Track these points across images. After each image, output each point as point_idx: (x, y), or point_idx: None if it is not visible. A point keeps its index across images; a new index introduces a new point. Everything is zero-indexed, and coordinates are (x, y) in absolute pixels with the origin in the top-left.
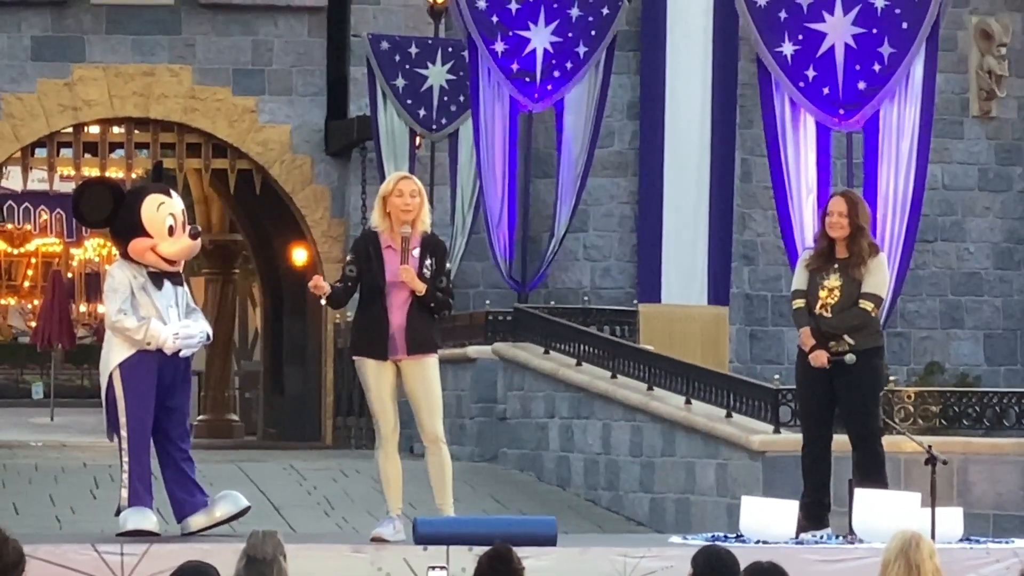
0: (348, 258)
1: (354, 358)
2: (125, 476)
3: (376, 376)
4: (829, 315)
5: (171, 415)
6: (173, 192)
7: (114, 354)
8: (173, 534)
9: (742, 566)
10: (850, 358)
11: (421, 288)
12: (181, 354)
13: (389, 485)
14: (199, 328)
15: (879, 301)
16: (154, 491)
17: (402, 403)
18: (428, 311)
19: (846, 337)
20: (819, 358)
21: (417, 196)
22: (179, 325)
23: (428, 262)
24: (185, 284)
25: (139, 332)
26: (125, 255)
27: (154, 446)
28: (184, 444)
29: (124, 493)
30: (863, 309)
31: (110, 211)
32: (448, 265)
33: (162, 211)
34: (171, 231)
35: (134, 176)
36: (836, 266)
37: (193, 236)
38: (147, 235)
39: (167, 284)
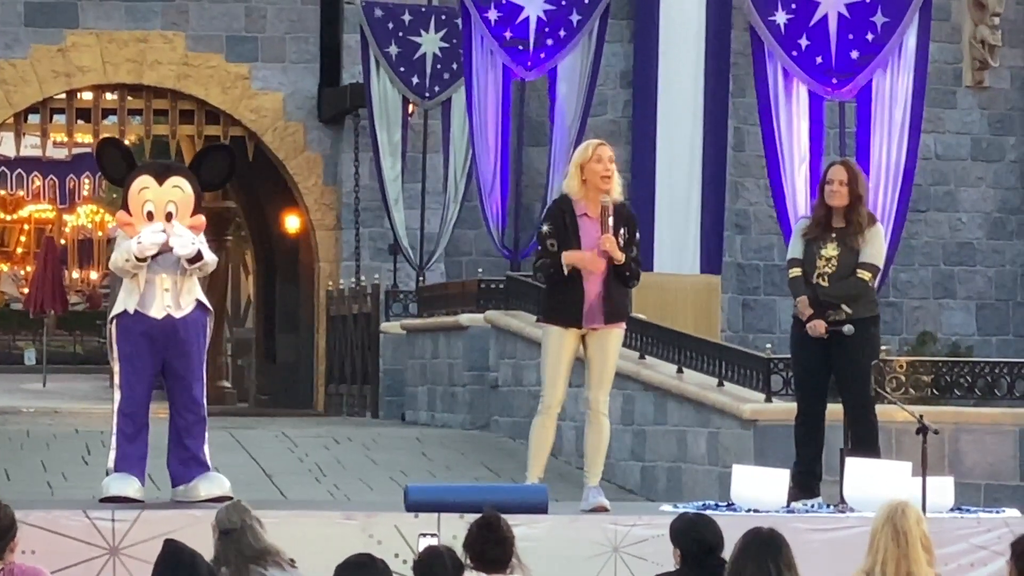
0: (546, 229)
1: (541, 324)
2: (114, 439)
3: (560, 344)
4: (827, 284)
5: (177, 381)
6: (173, 180)
7: (114, 307)
8: (165, 500)
9: (733, 535)
10: (848, 329)
11: (621, 257)
12: (156, 258)
13: (540, 452)
14: (174, 236)
15: (876, 271)
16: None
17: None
18: (623, 280)
19: (844, 306)
20: (817, 327)
21: (613, 162)
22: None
23: (622, 231)
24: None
25: (121, 259)
26: None
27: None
28: (187, 413)
29: (112, 455)
30: (861, 279)
31: (125, 172)
32: (637, 236)
33: (142, 195)
34: (150, 216)
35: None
36: (833, 235)
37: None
38: (130, 212)
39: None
